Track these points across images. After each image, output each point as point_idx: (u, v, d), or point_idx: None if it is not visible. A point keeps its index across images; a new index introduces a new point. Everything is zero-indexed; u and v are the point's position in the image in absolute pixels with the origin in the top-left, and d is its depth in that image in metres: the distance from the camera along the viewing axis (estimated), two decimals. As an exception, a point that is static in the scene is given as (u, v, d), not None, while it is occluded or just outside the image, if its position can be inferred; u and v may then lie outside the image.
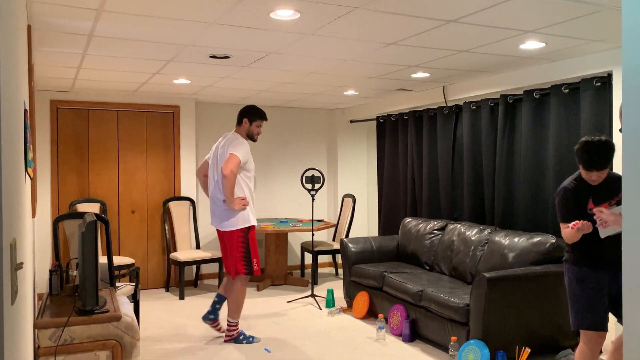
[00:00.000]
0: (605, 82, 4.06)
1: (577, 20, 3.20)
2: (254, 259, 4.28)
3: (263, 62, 4.33)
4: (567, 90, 4.37)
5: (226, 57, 4.12)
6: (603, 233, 2.94)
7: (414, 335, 4.42)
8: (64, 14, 3.02)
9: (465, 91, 5.32)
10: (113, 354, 2.98)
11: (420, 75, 4.90)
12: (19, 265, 1.19)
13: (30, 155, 2.43)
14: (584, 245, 3.02)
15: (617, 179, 3.06)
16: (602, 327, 2.98)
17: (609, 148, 2.91)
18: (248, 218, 4.25)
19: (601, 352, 3.76)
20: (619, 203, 3.00)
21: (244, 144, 4.22)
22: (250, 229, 4.28)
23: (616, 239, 2.96)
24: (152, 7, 2.90)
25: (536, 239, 4.18)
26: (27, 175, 2.44)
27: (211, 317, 4.44)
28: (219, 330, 4.52)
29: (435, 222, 5.36)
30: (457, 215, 5.60)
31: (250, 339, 4.38)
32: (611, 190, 3.03)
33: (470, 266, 4.63)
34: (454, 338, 3.84)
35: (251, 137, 4.38)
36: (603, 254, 2.99)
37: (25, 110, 2.16)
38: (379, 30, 3.40)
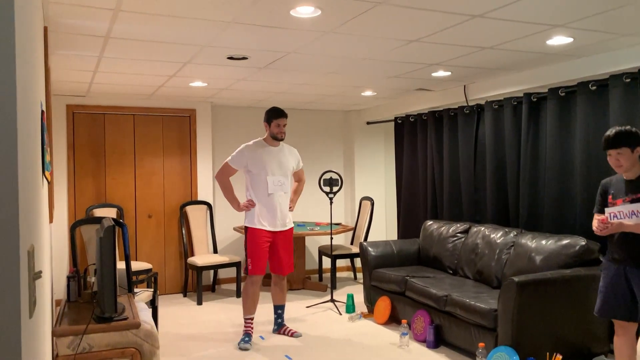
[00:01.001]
0: (635, 77, 3.91)
1: (608, 14, 3.07)
2: (249, 259, 4.38)
3: (281, 63, 4.25)
4: (594, 88, 4.22)
5: (244, 58, 4.04)
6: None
7: (438, 341, 4.30)
8: (80, 14, 2.97)
9: (487, 90, 5.19)
10: (132, 363, 2.90)
11: (441, 74, 4.79)
12: (38, 275, 1.11)
13: (47, 158, 2.37)
14: (609, 239, 3.14)
15: None
16: (612, 315, 3.10)
17: (630, 132, 2.95)
18: (252, 219, 4.39)
19: None
20: (634, 201, 2.94)
21: (240, 150, 4.45)
22: (251, 230, 4.39)
23: (624, 237, 2.99)
24: (169, 6, 2.83)
25: (565, 242, 4.04)
26: (44, 179, 2.37)
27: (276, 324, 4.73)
28: (289, 334, 4.64)
29: (458, 225, 5.23)
30: (480, 217, 5.46)
31: (240, 343, 4.35)
32: (636, 187, 2.98)
33: (496, 270, 4.49)
34: (481, 344, 3.71)
35: (275, 137, 4.44)
36: (617, 249, 3.05)
37: (43, 112, 2.10)
38: (401, 27, 3.29)
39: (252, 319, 4.48)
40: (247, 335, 4.42)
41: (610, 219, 3.00)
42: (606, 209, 3.06)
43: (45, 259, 2.42)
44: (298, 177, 4.80)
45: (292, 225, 4.59)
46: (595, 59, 4.13)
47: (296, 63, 4.26)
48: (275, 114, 4.43)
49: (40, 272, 1.13)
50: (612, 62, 4.01)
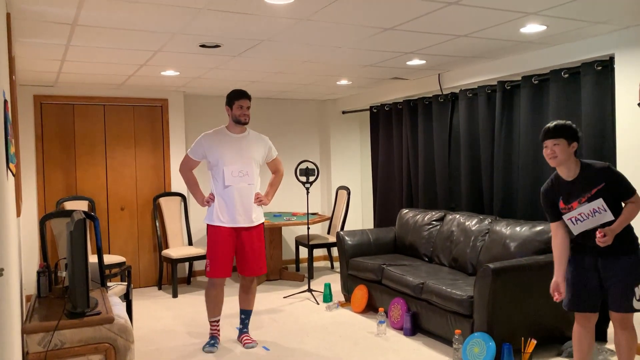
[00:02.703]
0: (606, 65, 3.96)
1: (580, 1, 3.08)
2: (207, 260, 4.04)
3: (255, 51, 4.18)
4: (566, 75, 4.26)
5: (217, 46, 3.96)
6: (575, 230, 3.00)
7: (415, 329, 4.32)
8: (45, 0, 2.85)
9: (462, 78, 5.21)
10: (107, 358, 2.84)
11: (415, 62, 4.78)
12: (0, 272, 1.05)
13: (12, 150, 2.28)
14: (571, 234, 3.10)
15: (598, 171, 2.93)
16: (582, 309, 3.04)
17: (570, 126, 2.96)
18: (210, 215, 4.03)
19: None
20: (591, 199, 2.89)
21: (198, 139, 4.08)
22: (210, 227, 4.04)
23: (593, 230, 2.95)
24: (139, -9, 2.74)
25: (538, 228, 4.09)
26: (9, 172, 2.28)
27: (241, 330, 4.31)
28: (243, 344, 4.19)
29: (434, 213, 5.26)
30: (455, 205, 5.50)
31: (205, 346, 4.09)
32: (586, 185, 2.93)
33: (471, 257, 4.53)
34: (458, 331, 3.74)
35: (238, 121, 4.03)
36: (583, 242, 3.01)
37: (6, 101, 2.01)
38: (376, 14, 3.26)
39: (217, 321, 4.15)
40: (213, 337, 4.14)
41: (573, 224, 2.96)
42: (565, 216, 2.99)
43: (12, 254, 2.34)
44: (274, 168, 4.38)
45: (262, 221, 4.15)
46: (568, 47, 4.16)
47: (270, 51, 4.20)
48: (236, 95, 4.01)
49: (2, 269, 1.08)
50: (584, 50, 4.05)
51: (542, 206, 3.16)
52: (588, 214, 2.91)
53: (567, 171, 2.99)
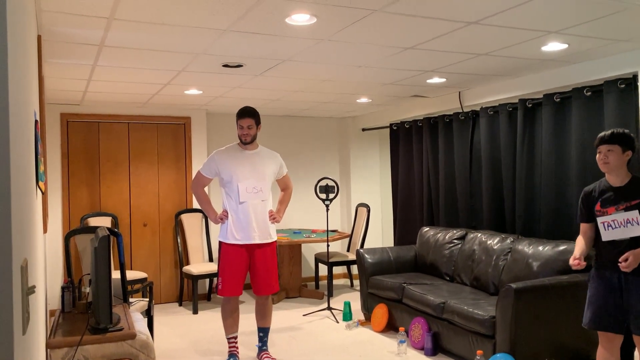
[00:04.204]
0: (630, 83, 3.93)
1: (602, 20, 3.08)
2: (220, 278, 4.03)
3: (276, 70, 4.24)
4: (589, 93, 4.23)
5: (239, 65, 4.03)
6: (605, 236, 2.99)
7: (436, 349, 4.27)
8: (74, 23, 2.95)
9: (482, 96, 5.20)
10: (128, 374, 2.87)
11: (436, 80, 4.79)
12: (31, 290, 1.08)
13: (41, 168, 2.34)
14: (597, 245, 3.09)
15: None
16: (603, 327, 3.00)
17: (627, 134, 2.96)
18: (225, 233, 4.01)
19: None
20: (628, 209, 2.89)
21: (210, 156, 4.11)
22: (223, 245, 4.03)
23: (621, 243, 2.94)
24: (164, 14, 2.82)
25: (562, 247, 4.03)
26: (38, 190, 2.34)
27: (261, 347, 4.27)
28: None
29: (455, 231, 5.22)
30: (476, 223, 5.45)
31: None
32: (629, 194, 2.94)
33: (493, 276, 4.48)
34: (479, 352, 3.69)
35: (240, 140, 4.07)
36: (609, 256, 2.99)
37: (36, 122, 2.07)
38: (396, 34, 3.29)
39: (235, 338, 4.12)
40: (232, 355, 4.09)
41: (605, 229, 2.97)
42: (598, 219, 3.00)
43: (39, 271, 2.39)
44: (284, 185, 4.32)
45: (275, 238, 4.13)
46: (590, 64, 4.14)
47: (291, 70, 4.25)
48: (238, 114, 4.00)
49: (34, 286, 1.11)
50: (607, 68, 4.02)
51: (579, 205, 3.19)
52: (621, 223, 2.91)
53: (616, 178, 3.00)
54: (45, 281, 3.90)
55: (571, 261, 3.04)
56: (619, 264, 2.85)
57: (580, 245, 3.12)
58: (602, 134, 3.01)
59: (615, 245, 2.96)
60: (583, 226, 3.15)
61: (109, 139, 6.05)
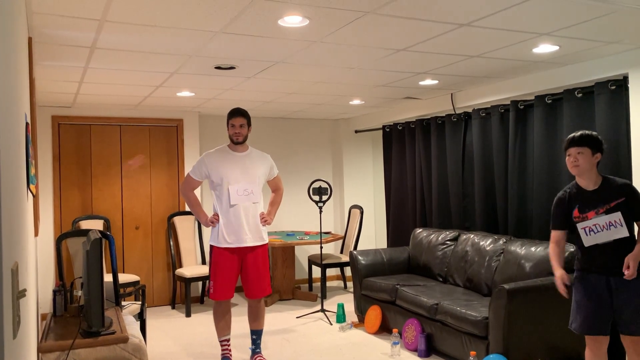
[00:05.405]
0: (620, 85, 3.96)
1: (593, 22, 3.10)
2: (211, 281, 4.00)
3: (269, 72, 4.24)
4: (580, 95, 4.26)
5: (231, 67, 4.03)
6: (587, 242, 2.97)
7: (429, 350, 4.28)
8: (65, 25, 2.93)
9: (474, 98, 5.22)
10: (120, 378, 2.85)
11: (428, 82, 4.80)
12: (22, 293, 1.08)
13: (32, 171, 2.32)
14: (579, 249, 3.06)
15: (619, 186, 2.94)
16: (594, 332, 2.99)
17: (595, 137, 2.96)
18: (216, 237, 3.98)
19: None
20: (609, 211, 2.88)
21: (200, 158, 4.05)
22: (215, 249, 3.99)
23: (605, 246, 2.94)
24: (156, 16, 2.81)
25: (554, 248, 4.04)
26: (29, 193, 2.33)
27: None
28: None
29: (447, 233, 5.23)
30: (469, 225, 5.47)
31: None
32: (607, 197, 2.93)
33: (486, 277, 4.49)
34: (473, 353, 3.70)
35: (231, 140, 4.02)
36: (593, 259, 2.98)
37: (27, 124, 2.06)
38: (389, 36, 3.30)
39: (227, 340, 4.09)
40: (225, 358, 4.06)
41: (587, 234, 2.94)
42: (578, 225, 2.97)
43: (30, 275, 2.37)
44: (275, 186, 4.30)
45: (267, 241, 4.10)
46: (581, 66, 4.17)
47: (284, 72, 4.25)
48: (229, 114, 3.98)
49: (25, 290, 1.10)
50: (598, 69, 4.05)
51: (552, 212, 3.14)
52: (603, 226, 2.89)
53: (587, 181, 2.98)
54: (37, 285, 3.87)
55: (559, 287, 3.01)
56: (624, 275, 2.82)
57: (556, 259, 3.08)
58: (570, 136, 2.99)
59: (599, 250, 2.94)
60: (556, 233, 3.10)
61: (101, 142, 6.02)
